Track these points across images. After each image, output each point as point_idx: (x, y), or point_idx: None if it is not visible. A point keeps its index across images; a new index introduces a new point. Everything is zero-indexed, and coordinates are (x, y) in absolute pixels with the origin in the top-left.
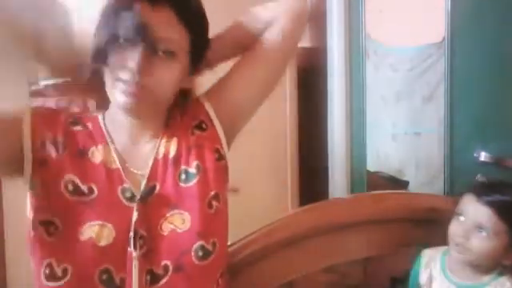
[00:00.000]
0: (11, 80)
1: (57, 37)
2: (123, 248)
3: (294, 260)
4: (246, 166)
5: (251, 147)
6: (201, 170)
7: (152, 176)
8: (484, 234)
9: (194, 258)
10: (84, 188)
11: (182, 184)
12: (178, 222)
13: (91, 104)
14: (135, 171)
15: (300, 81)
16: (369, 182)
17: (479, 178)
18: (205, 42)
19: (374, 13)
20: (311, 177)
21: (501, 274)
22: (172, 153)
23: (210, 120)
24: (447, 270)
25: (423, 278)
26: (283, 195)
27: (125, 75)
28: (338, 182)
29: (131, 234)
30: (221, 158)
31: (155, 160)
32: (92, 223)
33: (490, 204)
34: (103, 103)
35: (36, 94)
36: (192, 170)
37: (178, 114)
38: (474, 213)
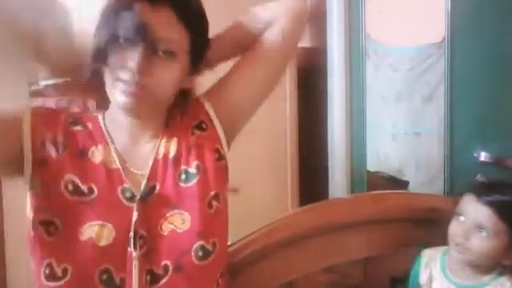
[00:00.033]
0: (11, 80)
1: (57, 37)
2: (123, 248)
3: (294, 260)
4: (246, 166)
5: (251, 147)
6: (201, 169)
7: (152, 176)
8: (484, 233)
9: (194, 258)
10: (84, 188)
11: (182, 184)
12: (178, 222)
13: (91, 104)
14: (135, 171)
15: (300, 81)
16: (369, 182)
17: (479, 178)
18: (205, 42)
19: (374, 13)
20: (311, 177)
21: (501, 274)
22: (172, 153)
23: (210, 120)
24: (447, 270)
25: (423, 278)
26: (283, 195)
27: (125, 75)
28: (338, 182)
29: (131, 234)
30: (221, 157)
31: (155, 160)
32: (92, 223)
33: (490, 204)
34: (103, 103)
35: (36, 93)
36: (192, 169)
37: (178, 113)
38: (474, 213)
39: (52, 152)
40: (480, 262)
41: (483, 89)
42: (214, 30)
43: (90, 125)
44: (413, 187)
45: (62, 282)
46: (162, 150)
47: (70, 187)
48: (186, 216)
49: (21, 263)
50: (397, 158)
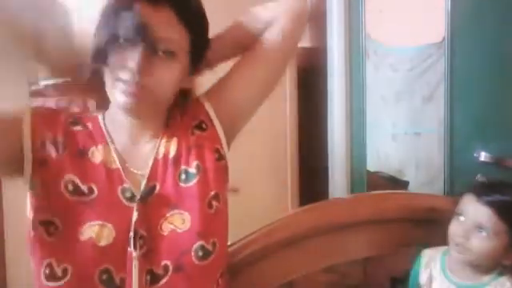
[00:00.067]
0: (11, 80)
1: (57, 37)
2: (123, 248)
3: (294, 260)
4: (246, 166)
5: (251, 147)
6: (201, 170)
7: (152, 176)
8: (484, 233)
9: (194, 258)
10: (84, 188)
11: (182, 184)
12: (178, 222)
13: (91, 104)
14: (135, 171)
15: (300, 81)
16: (369, 182)
17: (479, 178)
18: (205, 42)
19: (374, 13)
20: (311, 177)
21: (501, 274)
22: (172, 153)
23: (210, 120)
24: (447, 270)
25: (423, 278)
26: (283, 195)
27: (125, 75)
28: (338, 181)
29: (131, 233)
30: (221, 157)
31: (155, 160)
32: (92, 223)
33: (490, 204)
34: (103, 103)
35: (36, 93)
36: (192, 169)
37: (178, 113)
38: (474, 213)
39: (52, 152)
40: (480, 262)
41: (483, 89)
42: (214, 30)
43: (89, 125)
44: (413, 187)
45: (61, 282)
46: (161, 150)
47: (70, 187)
48: (186, 216)
49: (21, 263)
50: (397, 158)
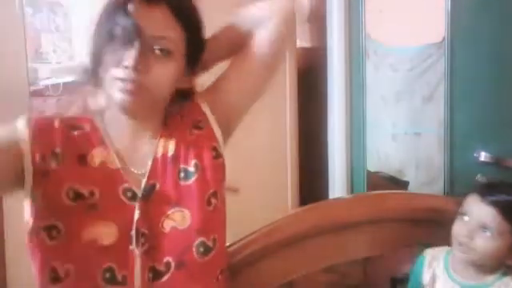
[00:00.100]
0: None
1: None
2: (126, 246)
3: (294, 260)
4: (246, 166)
5: (251, 147)
6: (199, 168)
7: (152, 175)
8: (488, 233)
9: (195, 255)
10: (85, 192)
11: (181, 182)
12: (179, 220)
13: (91, 104)
14: (135, 171)
15: (300, 81)
16: (369, 182)
17: (479, 178)
18: (200, 42)
19: (374, 13)
20: (311, 177)
21: (505, 274)
22: (170, 152)
23: (207, 119)
24: (451, 270)
25: (426, 278)
26: (283, 195)
27: (122, 73)
28: (338, 181)
29: (133, 232)
30: (218, 156)
31: (154, 159)
32: (95, 224)
33: (495, 204)
34: (102, 103)
35: (36, 93)
36: (191, 168)
37: (176, 113)
38: (478, 213)
39: (52, 164)
40: (484, 261)
41: (483, 89)
42: (212, 30)
43: (88, 126)
44: (413, 187)
45: (65, 283)
46: (160, 150)
47: (72, 194)
48: (187, 213)
49: (21, 263)
50: (397, 158)
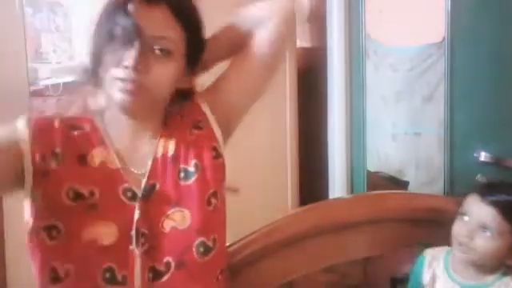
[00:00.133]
0: None
1: None
2: (126, 246)
3: (294, 260)
4: (246, 166)
5: (251, 147)
6: (199, 168)
7: (152, 175)
8: (488, 233)
9: (195, 255)
10: (85, 192)
11: (181, 182)
12: (179, 220)
13: (91, 104)
14: (135, 171)
15: (300, 81)
16: (369, 182)
17: (479, 178)
18: (200, 42)
19: (374, 13)
20: (311, 177)
21: (505, 274)
22: (170, 152)
23: (207, 119)
24: (451, 270)
25: (426, 278)
26: (283, 195)
27: (122, 73)
28: (338, 181)
29: (133, 232)
30: (218, 155)
31: (154, 159)
32: (95, 224)
33: (495, 204)
34: (102, 103)
35: (36, 93)
36: (191, 168)
37: (176, 113)
38: (478, 213)
39: (52, 164)
40: (484, 261)
41: (483, 89)
42: (212, 30)
43: (88, 126)
44: (413, 187)
45: (65, 283)
46: (160, 150)
47: (72, 194)
48: (187, 213)
49: (21, 263)
50: (397, 158)
